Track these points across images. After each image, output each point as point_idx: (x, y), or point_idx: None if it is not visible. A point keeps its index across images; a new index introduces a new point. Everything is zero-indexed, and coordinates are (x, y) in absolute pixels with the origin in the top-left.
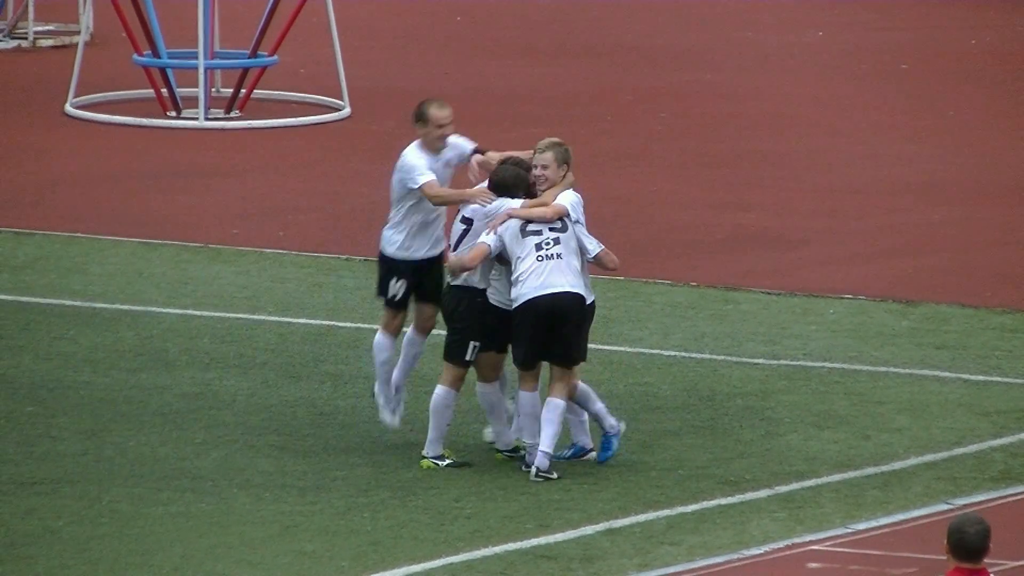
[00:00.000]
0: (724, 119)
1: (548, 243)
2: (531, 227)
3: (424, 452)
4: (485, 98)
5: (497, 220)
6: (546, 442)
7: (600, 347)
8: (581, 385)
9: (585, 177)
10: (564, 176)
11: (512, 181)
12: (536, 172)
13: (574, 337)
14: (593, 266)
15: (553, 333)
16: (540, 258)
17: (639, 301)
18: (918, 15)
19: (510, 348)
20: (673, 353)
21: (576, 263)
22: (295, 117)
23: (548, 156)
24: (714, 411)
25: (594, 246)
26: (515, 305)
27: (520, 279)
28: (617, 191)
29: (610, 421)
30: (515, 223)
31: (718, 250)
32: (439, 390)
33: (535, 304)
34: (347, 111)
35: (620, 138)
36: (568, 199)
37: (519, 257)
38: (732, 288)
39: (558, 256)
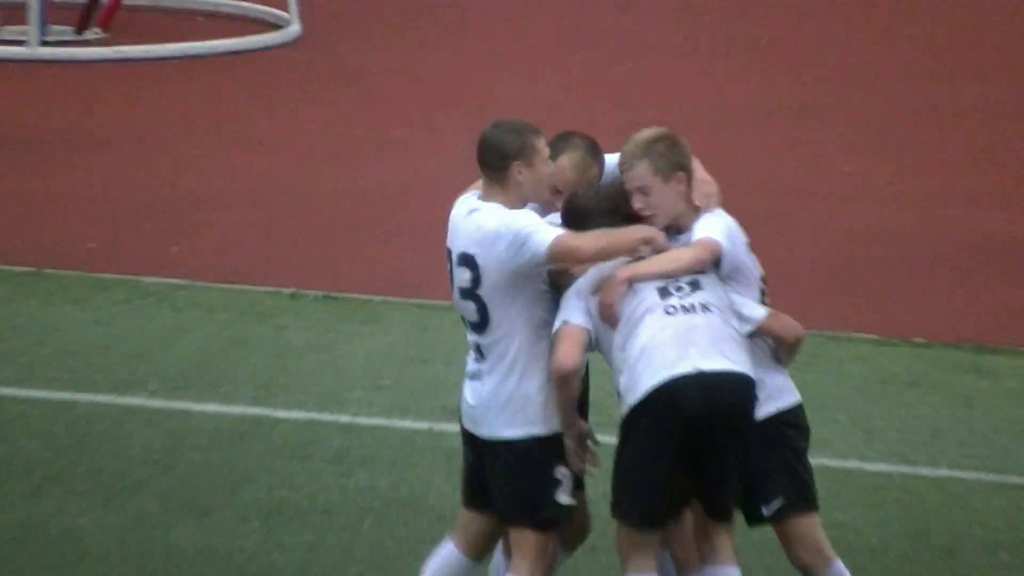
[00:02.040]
0: None
1: (681, 288)
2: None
3: None
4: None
5: (605, 286)
6: None
7: None
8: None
9: None
10: (682, 187)
11: (593, 205)
12: (636, 205)
13: (752, 459)
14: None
15: (705, 452)
16: (670, 311)
17: (824, 371)
18: None
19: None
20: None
21: (734, 323)
22: (203, 41)
23: (642, 170)
24: None
25: (753, 310)
26: (629, 403)
27: (634, 356)
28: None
29: None
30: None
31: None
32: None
33: (670, 396)
34: (296, 29)
35: None
36: (718, 226)
37: (631, 318)
38: (985, 348)
39: (703, 309)
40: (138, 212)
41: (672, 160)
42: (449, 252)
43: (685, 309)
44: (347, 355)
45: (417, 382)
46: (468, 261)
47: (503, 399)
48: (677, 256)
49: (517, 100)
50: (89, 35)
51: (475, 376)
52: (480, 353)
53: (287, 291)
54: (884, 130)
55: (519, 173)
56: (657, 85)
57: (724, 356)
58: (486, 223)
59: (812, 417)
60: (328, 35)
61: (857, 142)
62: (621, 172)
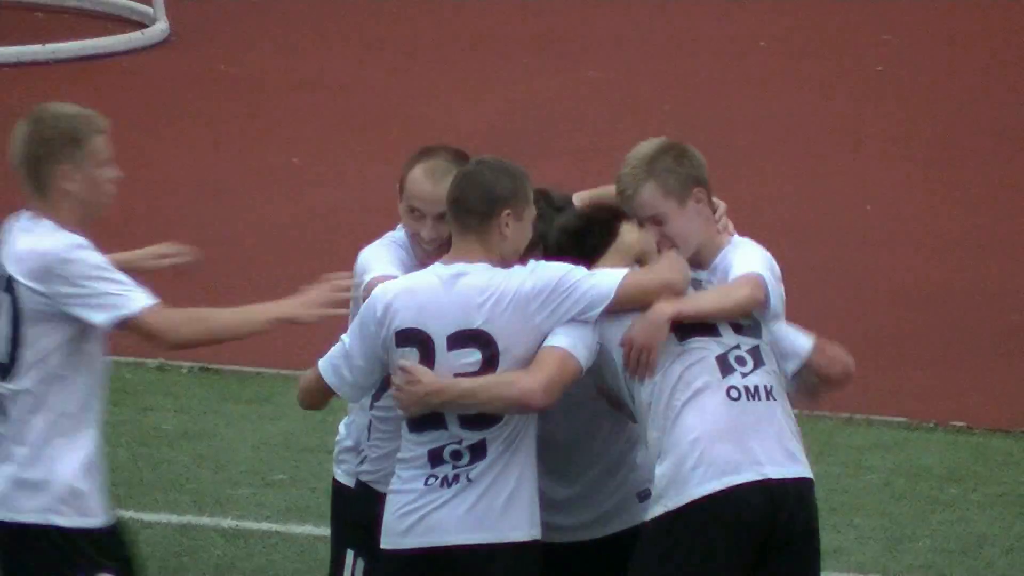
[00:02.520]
0: None
1: (743, 360)
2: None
3: None
4: None
5: (643, 324)
6: None
7: None
8: None
9: None
10: (703, 207)
11: (581, 229)
12: (654, 239)
13: None
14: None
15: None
16: (733, 395)
17: (839, 462)
18: None
19: None
20: None
21: (789, 407)
22: (44, 44)
23: (649, 192)
24: None
25: (797, 339)
26: (673, 504)
27: (683, 445)
28: None
29: None
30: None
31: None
32: None
33: (735, 506)
34: (162, 28)
35: None
36: (758, 258)
37: (677, 385)
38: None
39: (767, 395)
40: None
41: (684, 175)
42: (416, 334)
43: (749, 394)
44: (230, 444)
45: (318, 478)
46: (478, 339)
47: (501, 502)
48: (733, 292)
49: (452, 121)
50: None
51: (451, 483)
52: (461, 457)
53: (153, 362)
54: (955, 163)
55: (506, 225)
56: (630, 95)
57: (790, 456)
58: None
59: (824, 521)
60: (203, 35)
61: (922, 176)
62: (622, 201)
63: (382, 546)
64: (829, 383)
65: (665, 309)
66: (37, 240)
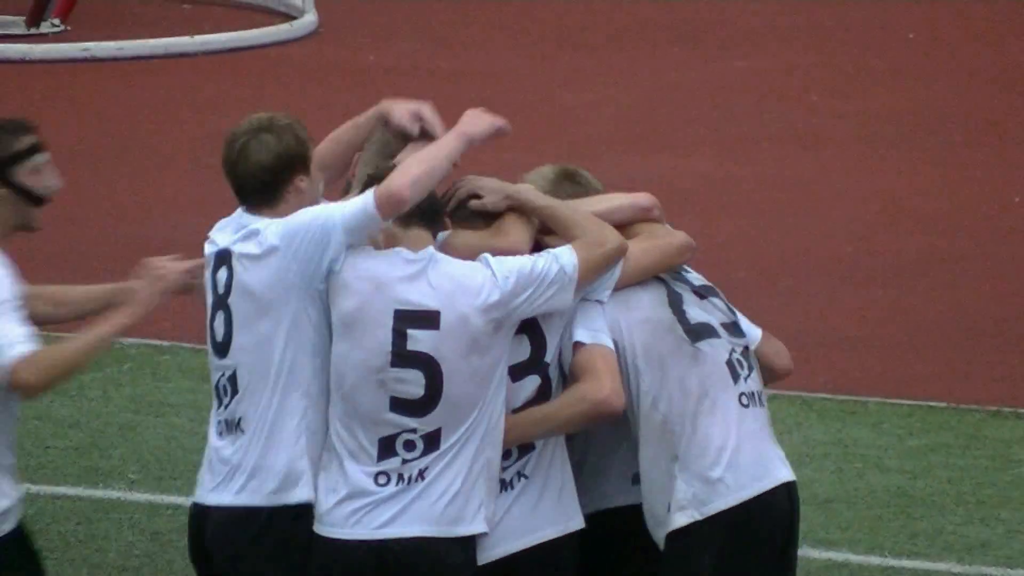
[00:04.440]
0: None
1: (742, 364)
2: (687, 301)
3: None
4: None
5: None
6: None
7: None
8: None
9: None
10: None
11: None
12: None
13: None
14: None
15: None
16: (744, 402)
17: (985, 454)
18: None
19: None
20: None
21: None
22: (189, 36)
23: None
24: None
25: (750, 326)
26: (699, 514)
27: (709, 454)
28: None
29: None
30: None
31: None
32: None
33: (766, 511)
34: (311, 20)
35: None
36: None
37: (697, 395)
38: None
39: (759, 400)
40: (112, 252)
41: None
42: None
43: (753, 400)
44: None
45: None
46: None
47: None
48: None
49: (597, 110)
50: (45, 28)
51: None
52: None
53: None
54: None
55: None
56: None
57: (782, 461)
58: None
59: (972, 515)
60: (351, 26)
61: None
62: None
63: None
64: (772, 374)
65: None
66: None
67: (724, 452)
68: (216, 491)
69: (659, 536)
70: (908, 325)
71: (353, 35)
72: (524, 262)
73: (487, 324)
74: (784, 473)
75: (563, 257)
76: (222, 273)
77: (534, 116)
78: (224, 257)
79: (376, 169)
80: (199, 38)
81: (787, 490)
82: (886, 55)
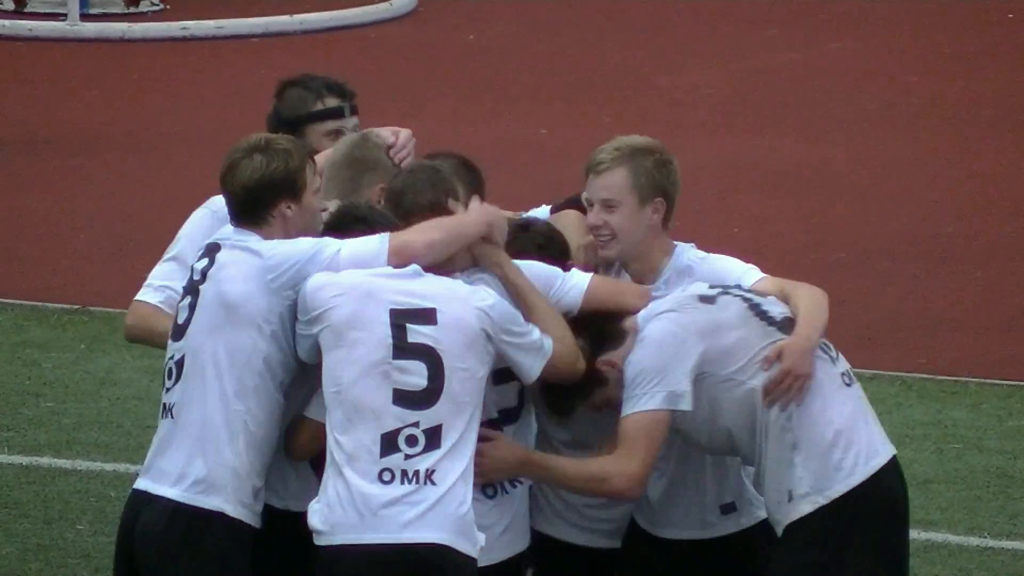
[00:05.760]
0: None
1: (828, 347)
2: (762, 303)
3: None
4: None
5: (793, 355)
6: None
7: None
8: None
9: None
10: (650, 219)
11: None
12: (591, 222)
13: None
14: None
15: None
16: (847, 380)
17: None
18: None
19: None
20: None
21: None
22: (289, 15)
23: (619, 177)
24: None
25: None
26: (826, 500)
27: (826, 439)
28: None
29: None
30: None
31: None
32: None
33: (886, 487)
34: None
35: None
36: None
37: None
38: None
39: (853, 379)
40: None
41: (656, 180)
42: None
43: (850, 379)
44: None
45: None
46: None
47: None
48: (820, 309)
49: (694, 92)
50: (144, 7)
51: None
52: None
53: None
54: None
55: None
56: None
57: (884, 438)
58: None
59: None
60: (449, 7)
61: None
62: (587, 172)
63: None
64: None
65: (811, 336)
66: None
67: (842, 434)
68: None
69: (782, 526)
70: (1006, 306)
71: (452, 15)
72: (515, 309)
73: (481, 329)
74: (889, 449)
75: (545, 339)
76: (204, 262)
77: (630, 99)
78: (213, 249)
79: (349, 204)
80: (298, 17)
81: (894, 466)
82: (985, 36)
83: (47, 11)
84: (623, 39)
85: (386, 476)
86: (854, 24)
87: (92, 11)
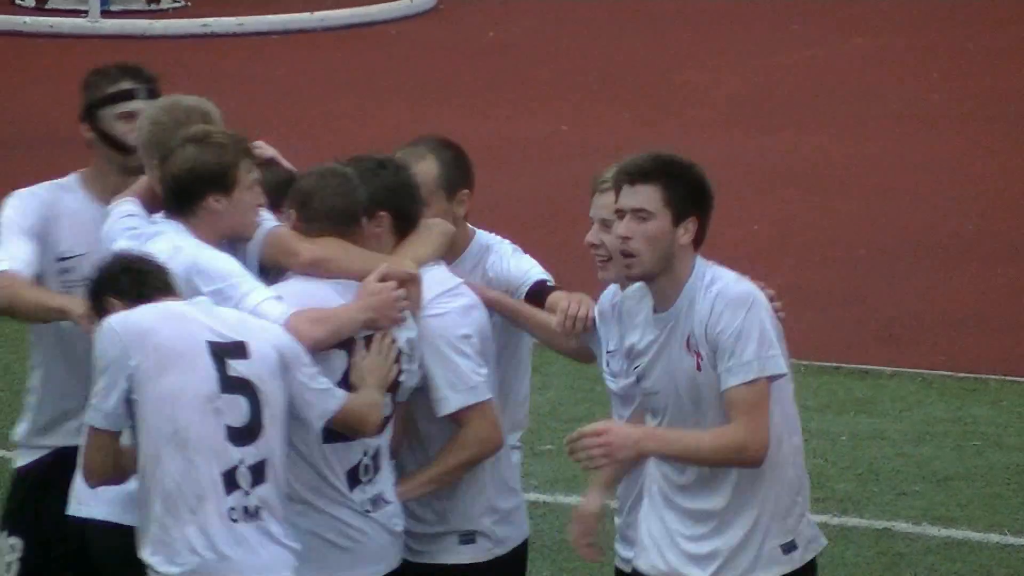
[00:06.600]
0: None
1: None
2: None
3: None
4: None
5: None
6: None
7: None
8: None
9: None
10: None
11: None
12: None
13: None
14: None
15: None
16: None
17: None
18: None
19: None
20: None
21: None
22: (310, 12)
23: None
24: None
25: None
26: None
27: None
28: None
29: None
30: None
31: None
32: None
33: None
34: None
35: None
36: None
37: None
38: None
39: None
40: None
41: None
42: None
43: None
44: None
45: None
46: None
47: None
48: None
49: (717, 88)
50: (165, 3)
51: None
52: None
53: None
54: None
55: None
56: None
57: None
58: None
59: None
60: (470, 3)
61: None
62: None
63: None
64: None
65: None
66: None
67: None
68: None
69: None
70: None
71: (472, 12)
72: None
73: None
74: None
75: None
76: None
77: (651, 95)
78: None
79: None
80: (319, 14)
81: None
82: (1008, 33)
83: (68, 7)
84: (643, 35)
85: (234, 515)
86: (876, 20)
87: (113, 7)
